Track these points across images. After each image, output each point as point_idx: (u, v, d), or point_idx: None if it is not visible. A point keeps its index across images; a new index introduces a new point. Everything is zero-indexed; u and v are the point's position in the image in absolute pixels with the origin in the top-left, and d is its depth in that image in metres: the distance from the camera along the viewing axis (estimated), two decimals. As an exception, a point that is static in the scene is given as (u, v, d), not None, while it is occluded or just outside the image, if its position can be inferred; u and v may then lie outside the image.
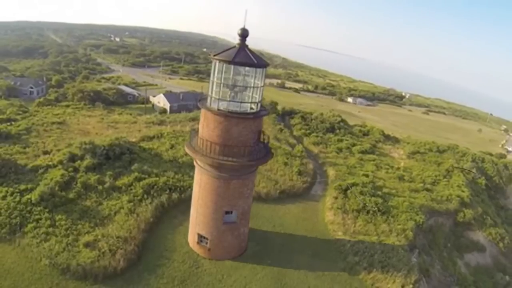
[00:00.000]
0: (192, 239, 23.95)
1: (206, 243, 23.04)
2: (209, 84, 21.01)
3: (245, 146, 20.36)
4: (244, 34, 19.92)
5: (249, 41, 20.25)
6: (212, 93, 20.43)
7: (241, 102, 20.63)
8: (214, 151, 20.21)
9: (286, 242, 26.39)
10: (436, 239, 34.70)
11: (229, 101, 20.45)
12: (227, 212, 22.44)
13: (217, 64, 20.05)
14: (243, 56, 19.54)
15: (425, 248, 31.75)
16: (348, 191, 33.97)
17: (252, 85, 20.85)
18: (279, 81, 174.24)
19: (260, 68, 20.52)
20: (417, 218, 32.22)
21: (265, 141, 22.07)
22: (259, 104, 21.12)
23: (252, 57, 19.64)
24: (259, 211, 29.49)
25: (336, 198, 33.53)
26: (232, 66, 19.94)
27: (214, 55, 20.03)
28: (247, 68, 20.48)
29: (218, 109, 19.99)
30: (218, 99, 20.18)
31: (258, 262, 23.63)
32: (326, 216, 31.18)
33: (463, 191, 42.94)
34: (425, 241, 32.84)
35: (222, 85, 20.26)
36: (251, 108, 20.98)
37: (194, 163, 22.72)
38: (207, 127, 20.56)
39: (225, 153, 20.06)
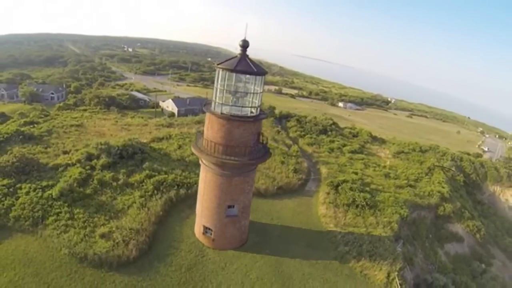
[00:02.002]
0: (198, 230, 23.96)
1: (211, 234, 23.06)
2: (213, 90, 21.04)
3: (245, 147, 20.37)
4: (245, 45, 19.95)
5: (249, 51, 20.29)
6: (216, 98, 20.45)
7: (242, 107, 20.62)
8: (217, 151, 20.23)
9: (283, 234, 26.39)
10: (419, 231, 34.74)
11: (231, 105, 20.43)
12: (229, 206, 22.44)
13: (220, 72, 20.06)
14: (244, 65, 19.56)
15: (409, 239, 31.79)
16: (339, 187, 33.99)
17: (252, 91, 20.85)
18: (277, 87, 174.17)
19: (260, 76, 20.53)
20: (401, 211, 32.26)
21: (264, 142, 22.06)
22: (258, 109, 21.11)
23: (252, 65, 19.66)
24: (259, 205, 29.50)
25: (328, 193, 33.54)
26: (234, 74, 19.98)
27: (218, 64, 20.03)
28: (247, 75, 20.45)
29: (222, 113, 20.02)
30: (222, 104, 20.21)
31: (258, 252, 23.64)
32: (319, 210, 31.19)
33: (443, 187, 43.02)
34: (409, 232, 32.88)
35: (225, 91, 20.26)
36: (251, 112, 20.94)
37: (200, 161, 22.73)
38: (211, 129, 20.57)
39: (227, 152, 20.08)
